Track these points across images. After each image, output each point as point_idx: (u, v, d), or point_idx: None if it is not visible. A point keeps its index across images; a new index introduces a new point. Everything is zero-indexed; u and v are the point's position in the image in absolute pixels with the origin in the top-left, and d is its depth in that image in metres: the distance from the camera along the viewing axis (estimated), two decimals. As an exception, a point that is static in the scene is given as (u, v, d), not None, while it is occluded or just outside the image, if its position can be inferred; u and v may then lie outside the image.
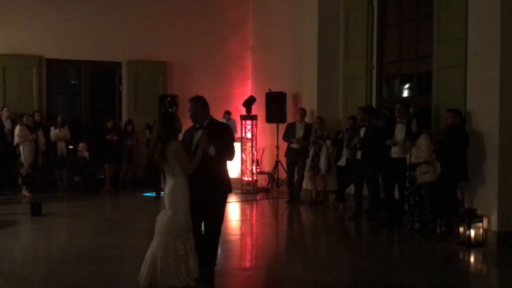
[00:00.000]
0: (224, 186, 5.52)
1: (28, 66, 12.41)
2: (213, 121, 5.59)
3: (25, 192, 11.02)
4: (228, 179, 5.62)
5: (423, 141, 7.79)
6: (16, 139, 10.96)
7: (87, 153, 11.87)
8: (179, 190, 5.29)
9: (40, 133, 11.61)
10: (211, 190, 5.38)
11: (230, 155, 5.55)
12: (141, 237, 7.21)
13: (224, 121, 12.63)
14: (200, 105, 5.53)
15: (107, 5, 13.02)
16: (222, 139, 5.41)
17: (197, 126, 5.49)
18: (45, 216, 9.06)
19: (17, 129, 10.99)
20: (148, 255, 5.30)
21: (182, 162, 5.24)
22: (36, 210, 9.06)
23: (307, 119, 10.75)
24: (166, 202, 5.36)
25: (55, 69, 13.11)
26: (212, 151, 5.28)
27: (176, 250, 5.19)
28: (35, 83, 12.44)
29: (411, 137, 7.93)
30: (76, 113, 13.43)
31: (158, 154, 5.28)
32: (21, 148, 10.98)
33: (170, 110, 11.80)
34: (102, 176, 12.20)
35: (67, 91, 13.96)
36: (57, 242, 7.65)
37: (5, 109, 11.59)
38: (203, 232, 5.51)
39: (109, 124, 12.25)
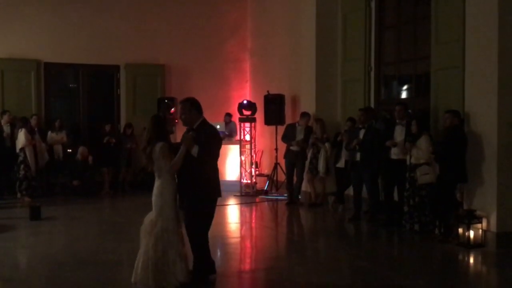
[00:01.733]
0: (207, 189, 5.47)
1: (26, 70, 12.40)
2: (204, 124, 5.54)
3: (25, 196, 10.99)
4: (215, 182, 5.57)
5: (423, 142, 7.79)
6: (24, 143, 10.93)
7: (90, 157, 11.84)
8: (165, 192, 5.34)
9: (37, 137, 11.58)
10: (192, 191, 5.38)
11: (212, 159, 5.52)
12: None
13: (224, 123, 12.64)
14: (188, 107, 5.53)
15: (105, 8, 13.01)
16: (207, 143, 5.39)
17: (188, 128, 5.53)
18: (44, 220, 9.05)
19: (22, 133, 10.95)
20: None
21: (165, 160, 5.28)
22: (35, 214, 9.04)
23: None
24: (153, 203, 5.41)
25: (53, 73, 13.09)
26: (194, 151, 5.28)
27: (154, 252, 5.22)
28: (33, 87, 12.41)
29: (411, 138, 7.94)
30: (75, 116, 13.40)
31: (145, 157, 5.40)
32: (27, 152, 10.96)
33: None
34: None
35: (66, 95, 13.93)
36: (56, 246, 7.63)
37: (7, 113, 11.54)
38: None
39: (107, 127, 12.24)
